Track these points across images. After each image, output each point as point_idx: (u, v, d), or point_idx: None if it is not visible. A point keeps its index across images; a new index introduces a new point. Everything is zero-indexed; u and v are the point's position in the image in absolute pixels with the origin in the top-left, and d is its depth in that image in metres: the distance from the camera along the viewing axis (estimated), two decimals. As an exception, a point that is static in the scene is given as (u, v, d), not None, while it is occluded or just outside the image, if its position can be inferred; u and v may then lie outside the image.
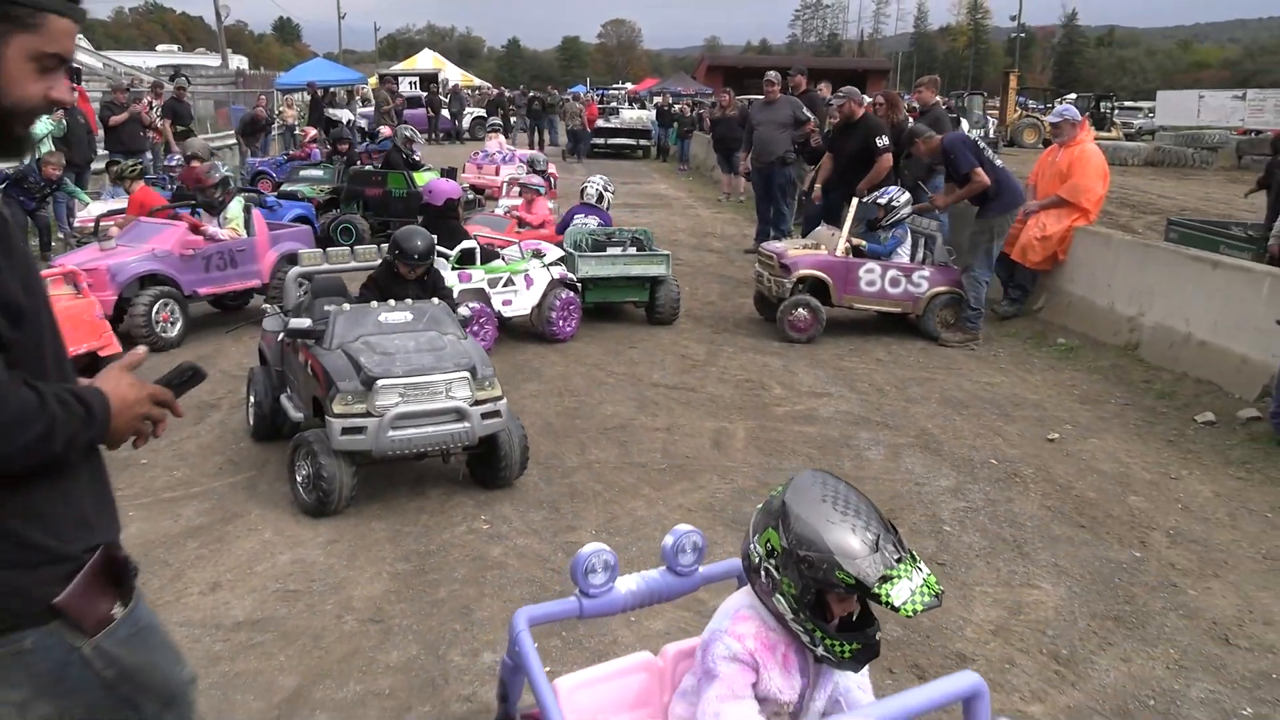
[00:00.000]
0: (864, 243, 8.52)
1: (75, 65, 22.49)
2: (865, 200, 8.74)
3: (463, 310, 5.56)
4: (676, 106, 27.89)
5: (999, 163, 8.35)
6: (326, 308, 5.38)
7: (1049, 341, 8.46)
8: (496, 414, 4.96)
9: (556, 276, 8.18)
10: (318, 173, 14.35)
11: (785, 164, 11.61)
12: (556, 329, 8.08)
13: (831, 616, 2.00)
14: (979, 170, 8.08)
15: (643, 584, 2.37)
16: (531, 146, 28.27)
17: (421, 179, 12.56)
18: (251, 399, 5.87)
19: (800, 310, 8.20)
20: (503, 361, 7.30)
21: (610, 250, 8.96)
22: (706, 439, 6.03)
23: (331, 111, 23.84)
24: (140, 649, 1.69)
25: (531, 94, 32.17)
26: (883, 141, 9.55)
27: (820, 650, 1.99)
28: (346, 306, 5.23)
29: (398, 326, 5.14)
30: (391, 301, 5.28)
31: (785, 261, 8.36)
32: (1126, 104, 55.01)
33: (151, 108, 15.54)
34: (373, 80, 35.24)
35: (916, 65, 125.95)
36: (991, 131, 36.11)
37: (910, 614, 1.84)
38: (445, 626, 3.88)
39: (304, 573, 4.32)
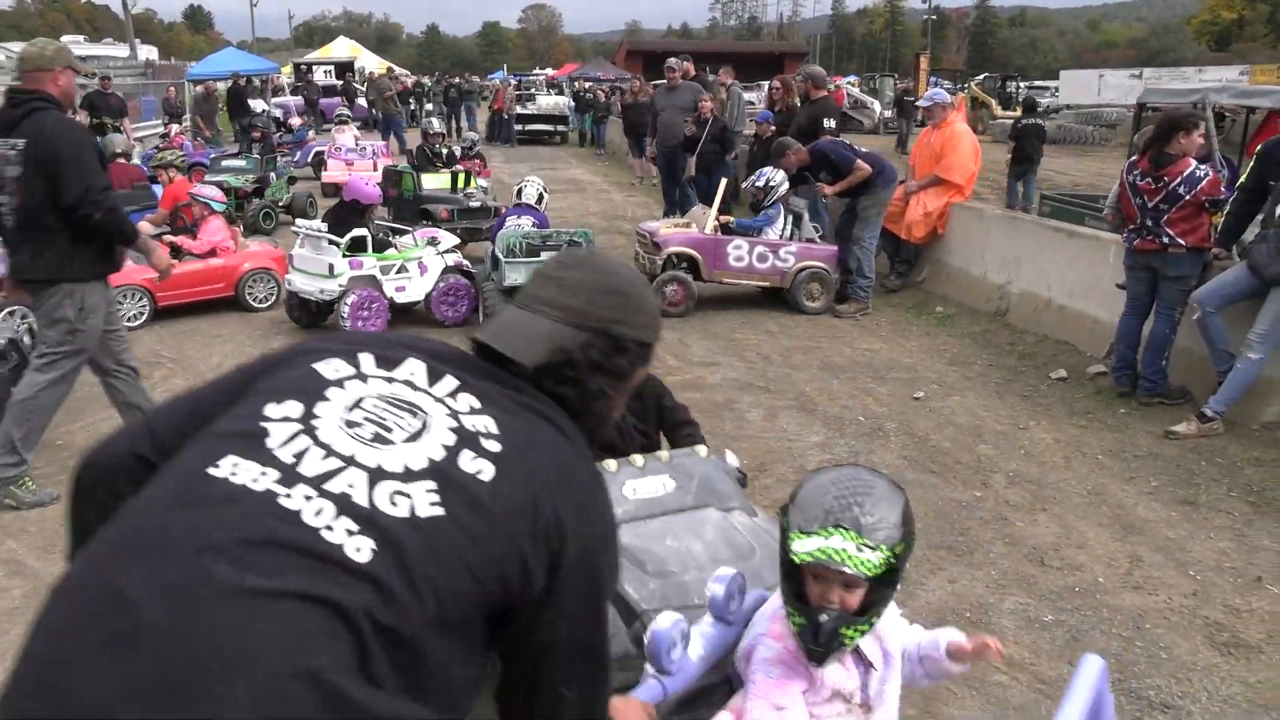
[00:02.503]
0: (732, 220, 9.04)
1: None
2: (745, 185, 9.29)
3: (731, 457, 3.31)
4: (591, 92, 28.18)
5: (864, 150, 9.03)
6: None
7: (929, 310, 9.05)
8: None
9: (451, 264, 8.48)
10: (240, 163, 14.48)
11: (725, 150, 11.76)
12: (443, 314, 8.37)
13: (806, 599, 1.90)
14: (860, 162, 8.65)
15: (707, 645, 2.13)
16: (449, 134, 28.38)
17: (462, 181, 11.72)
18: None
19: (671, 286, 8.67)
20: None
21: (544, 255, 8.38)
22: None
23: (251, 103, 23.81)
24: None
25: (447, 81, 32.21)
26: (829, 123, 9.99)
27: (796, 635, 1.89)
28: None
29: (657, 504, 2.93)
30: (637, 458, 3.00)
31: (657, 240, 8.86)
32: (1036, 84, 56.68)
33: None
34: (286, 69, 34.95)
35: (835, 48, 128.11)
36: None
37: (799, 561, 1.84)
38: None
39: None
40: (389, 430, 1.36)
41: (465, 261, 8.71)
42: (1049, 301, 8.02)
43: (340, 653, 1.15)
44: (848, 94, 38.69)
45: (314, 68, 34.67)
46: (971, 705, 3.47)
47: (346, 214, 8.51)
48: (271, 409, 1.38)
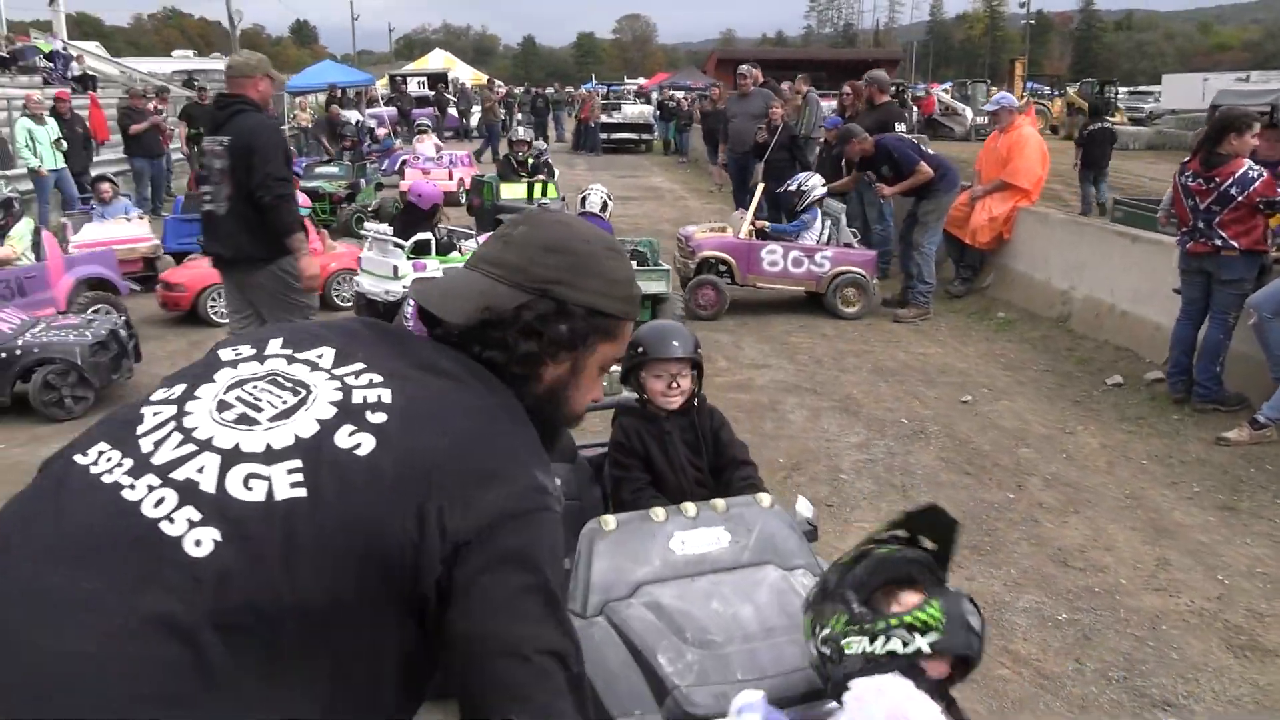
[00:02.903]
0: (768, 225, 9.11)
1: (90, 73, 23.32)
2: (780, 190, 9.37)
3: (805, 505, 3.00)
4: (675, 101, 28.38)
5: (931, 151, 8.93)
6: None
7: (990, 316, 8.97)
8: None
9: None
10: (334, 169, 15.08)
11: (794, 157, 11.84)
12: None
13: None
14: (923, 164, 8.61)
15: None
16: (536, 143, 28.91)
17: (538, 190, 11.65)
18: None
19: (705, 289, 8.79)
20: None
21: None
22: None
23: (342, 113, 24.64)
24: None
25: (534, 91, 32.78)
26: (900, 127, 10.03)
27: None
28: (610, 521, 2.58)
29: (707, 561, 2.54)
30: (689, 507, 2.63)
31: (692, 244, 9.01)
32: (1139, 89, 55.04)
33: (162, 114, 16.21)
34: (382, 81, 35.93)
35: (933, 54, 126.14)
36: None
37: None
38: None
39: None
40: (259, 409, 1.27)
41: None
42: (1111, 307, 7.90)
43: (154, 677, 1.07)
44: (939, 101, 38.27)
45: (408, 79, 35.58)
46: (970, 696, 3.50)
47: (414, 217, 8.82)
48: (160, 394, 1.33)
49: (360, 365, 1.33)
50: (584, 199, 9.50)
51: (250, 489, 1.17)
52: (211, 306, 8.72)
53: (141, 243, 10.01)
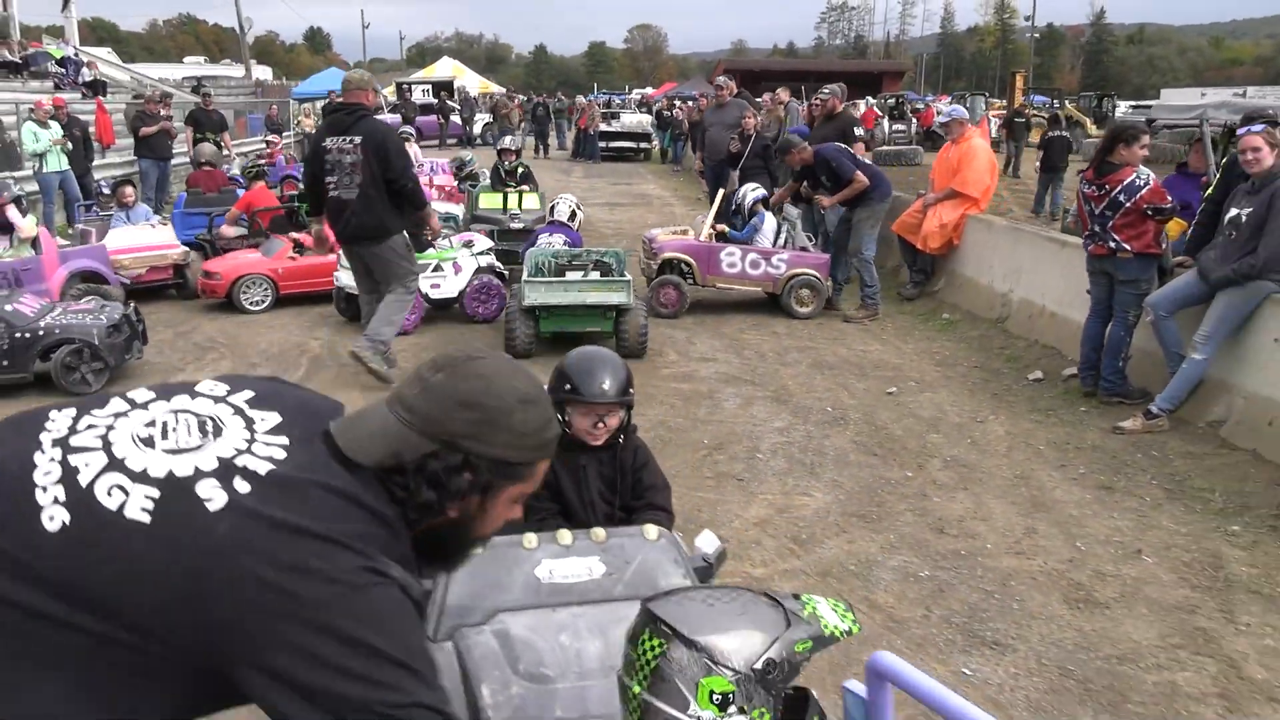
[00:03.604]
0: (726, 228, 9.63)
1: (101, 79, 23.96)
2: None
3: (708, 540, 2.85)
4: (671, 110, 28.89)
5: (868, 161, 9.45)
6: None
7: (936, 317, 9.45)
8: None
9: (484, 265, 9.22)
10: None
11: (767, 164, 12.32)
12: (474, 310, 9.08)
13: None
14: (859, 174, 9.10)
15: None
16: (536, 152, 29.52)
17: (514, 201, 11.66)
18: None
19: (666, 289, 9.32)
20: (431, 336, 8.40)
21: (570, 274, 8.35)
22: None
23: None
24: None
25: (536, 100, 33.36)
26: (858, 131, 10.52)
27: None
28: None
29: (572, 592, 2.53)
30: (564, 535, 2.60)
31: (654, 245, 9.50)
32: (1141, 103, 55.39)
33: (170, 118, 16.77)
34: (389, 89, 36.58)
35: (943, 66, 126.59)
36: (994, 130, 36.92)
37: None
38: None
39: None
40: (164, 437, 1.40)
41: (498, 263, 9.45)
42: (1043, 309, 8.36)
43: None
44: (937, 113, 38.75)
45: (413, 87, 36.22)
46: (823, 636, 3.98)
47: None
48: (136, 393, 1.54)
49: (276, 434, 1.45)
50: (553, 208, 10.01)
51: (110, 496, 1.32)
52: (244, 295, 9.56)
53: (172, 249, 10.20)
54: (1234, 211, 6.11)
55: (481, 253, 9.34)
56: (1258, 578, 4.46)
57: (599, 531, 2.63)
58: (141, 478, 1.34)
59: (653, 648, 1.58)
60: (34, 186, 13.98)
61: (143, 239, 10.16)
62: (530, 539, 2.56)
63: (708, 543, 2.81)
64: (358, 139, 6.68)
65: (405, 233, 7.19)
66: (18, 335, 6.88)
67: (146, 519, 1.31)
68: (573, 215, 9.88)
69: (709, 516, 5.03)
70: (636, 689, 1.58)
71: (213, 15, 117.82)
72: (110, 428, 1.41)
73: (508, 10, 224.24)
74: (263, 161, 13.51)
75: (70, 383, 6.91)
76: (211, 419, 1.44)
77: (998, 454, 6.00)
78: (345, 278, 8.98)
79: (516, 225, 11.34)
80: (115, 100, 21.58)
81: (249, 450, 1.40)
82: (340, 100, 7.14)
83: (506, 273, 9.44)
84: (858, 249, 9.28)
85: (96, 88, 23.86)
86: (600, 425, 2.99)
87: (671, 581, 2.52)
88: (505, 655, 2.29)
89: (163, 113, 16.19)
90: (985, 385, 7.37)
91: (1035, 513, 5.15)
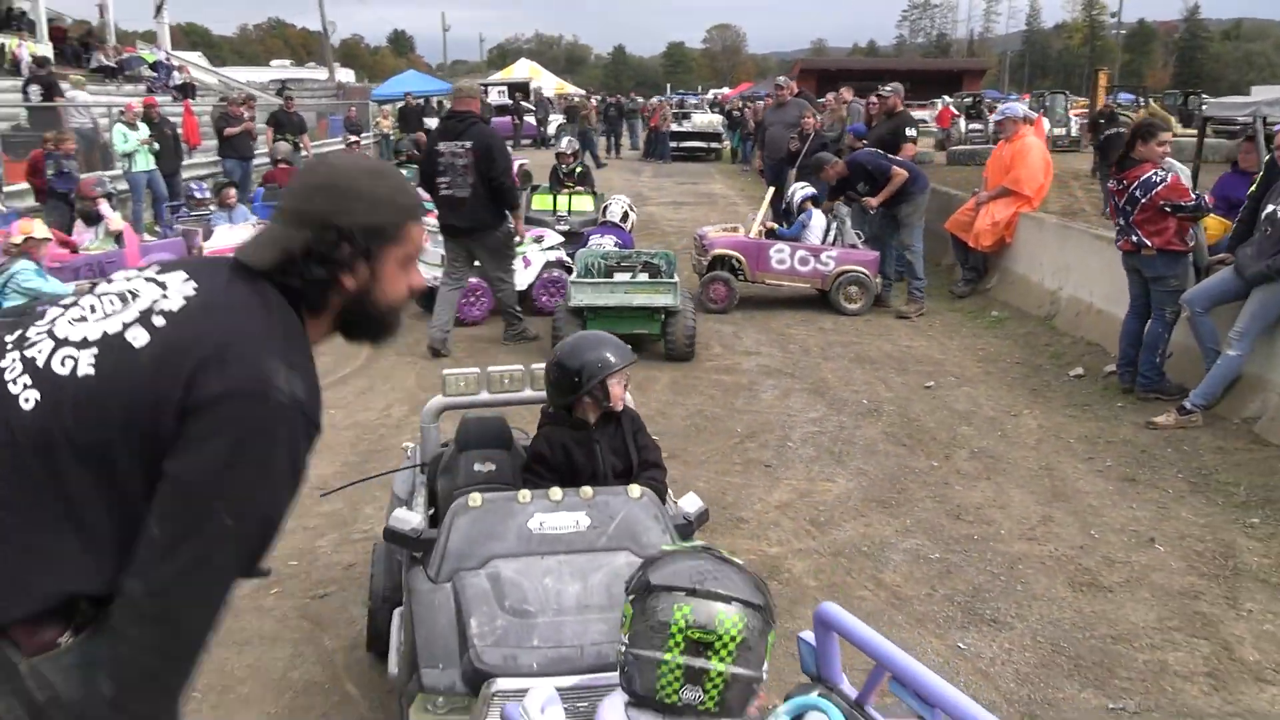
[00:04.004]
0: (776, 226, 9.77)
1: (190, 82, 24.94)
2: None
3: (690, 501, 3.24)
4: (740, 110, 29.01)
5: (899, 159, 9.57)
6: (476, 467, 3.55)
7: (985, 314, 9.50)
8: None
9: (552, 260, 9.54)
10: (403, 173, 16.17)
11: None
12: (541, 302, 9.40)
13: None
14: (897, 170, 9.20)
15: None
16: (607, 151, 29.88)
17: (564, 203, 11.54)
18: (369, 592, 3.65)
19: (716, 285, 9.50)
20: (500, 327, 8.74)
21: (619, 275, 8.30)
22: (633, 383, 7.30)
23: (426, 121, 26.12)
24: (84, 683, 1.62)
25: (608, 100, 33.74)
26: (911, 132, 10.61)
27: None
28: (476, 499, 2.97)
29: (560, 541, 2.87)
30: (555, 492, 2.97)
31: (705, 242, 9.67)
32: (1228, 99, 53.76)
33: (252, 119, 17.46)
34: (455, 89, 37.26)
35: (1028, 64, 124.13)
36: (1074, 130, 36.24)
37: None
38: None
39: None
40: (94, 311, 1.69)
41: (566, 257, 9.76)
42: (1090, 306, 8.38)
43: None
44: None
45: (489, 89, 36.87)
46: (828, 609, 4.17)
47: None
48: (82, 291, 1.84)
49: (185, 281, 1.72)
50: (606, 209, 10.11)
51: (64, 365, 1.62)
52: None
53: None
54: (1270, 208, 6.13)
55: (550, 248, 9.66)
56: (1269, 567, 4.53)
57: (586, 490, 2.97)
58: (82, 344, 1.63)
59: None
60: (124, 185, 14.74)
61: (244, 238, 10.47)
62: (525, 495, 2.93)
63: (690, 503, 3.14)
64: (469, 143, 7.46)
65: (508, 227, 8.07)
66: None
67: (94, 371, 1.60)
68: (625, 216, 9.90)
69: (733, 499, 5.25)
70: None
71: (300, 19, 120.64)
72: (52, 322, 1.69)
73: (587, 11, 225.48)
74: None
75: None
76: (129, 290, 1.71)
77: (1026, 446, 6.10)
78: (422, 270, 9.42)
79: (562, 227, 11.46)
80: (203, 103, 22.48)
81: (164, 297, 1.68)
82: (452, 109, 7.95)
83: (574, 268, 9.74)
84: (909, 244, 9.39)
85: (186, 91, 24.89)
86: (624, 387, 3.37)
87: (651, 536, 2.85)
88: (494, 593, 2.64)
89: (245, 114, 16.87)
90: (1025, 381, 7.45)
91: (1054, 502, 5.27)
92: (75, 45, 24.75)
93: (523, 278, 9.43)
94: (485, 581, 2.69)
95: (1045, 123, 23.10)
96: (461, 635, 2.53)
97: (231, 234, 10.34)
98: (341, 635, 3.95)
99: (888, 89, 11.28)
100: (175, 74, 25.80)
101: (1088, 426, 6.42)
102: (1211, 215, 6.69)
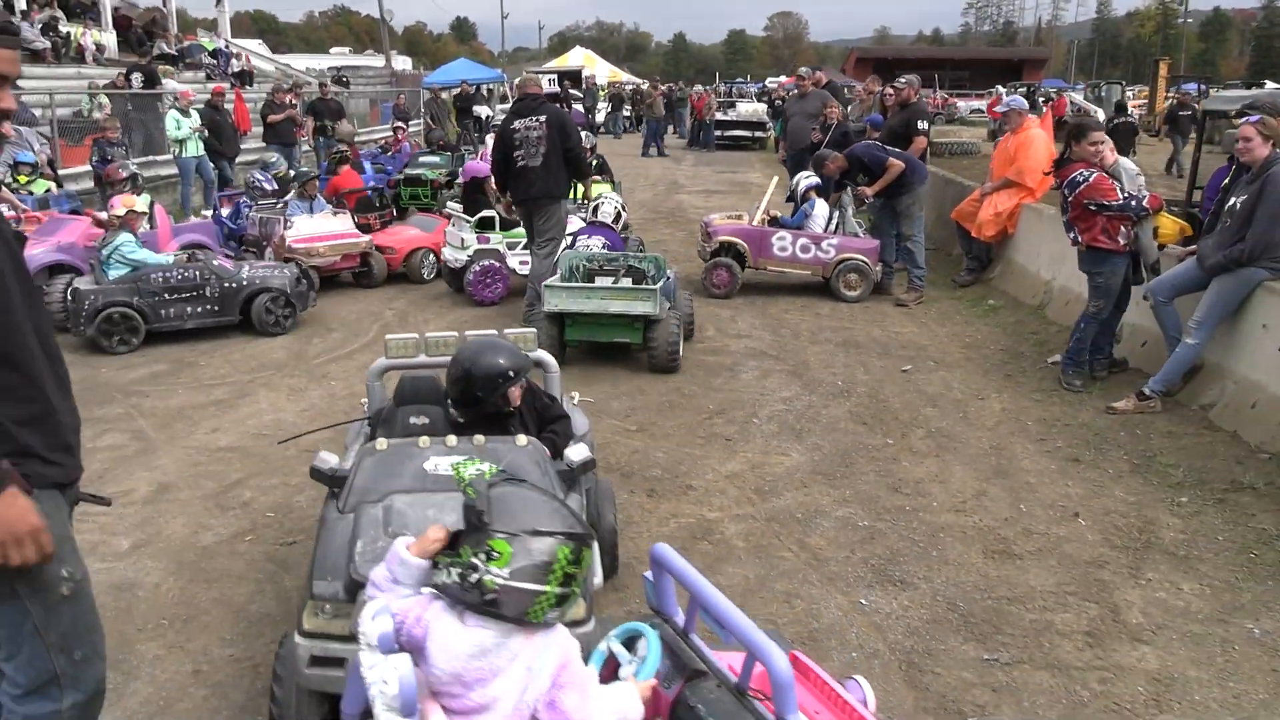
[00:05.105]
0: (778, 214, 10.04)
1: (248, 70, 25.73)
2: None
3: (578, 451, 3.63)
4: (782, 99, 29.10)
5: (897, 150, 9.78)
6: (412, 420, 3.90)
7: (982, 303, 9.69)
8: None
9: (487, 249, 9.84)
10: (435, 159, 16.69)
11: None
12: (479, 295, 9.64)
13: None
14: (893, 161, 9.43)
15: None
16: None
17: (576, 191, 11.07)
18: None
19: (718, 271, 9.82)
20: (515, 306, 9.14)
21: (601, 280, 7.79)
22: (619, 364, 7.67)
23: (476, 109, 26.77)
24: None
25: (673, 89, 34.06)
26: (923, 124, 10.82)
27: None
28: (382, 444, 3.48)
29: (449, 482, 3.16)
30: (450, 439, 3.47)
31: (709, 229, 9.96)
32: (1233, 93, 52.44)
33: (294, 106, 18.11)
34: (517, 80, 37.83)
35: (1097, 54, 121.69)
36: (1135, 117, 35.73)
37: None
38: None
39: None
40: None
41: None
42: (1079, 295, 8.51)
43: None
44: (1070, 102, 37.73)
45: (541, 77, 37.38)
46: (749, 565, 4.52)
47: (471, 192, 10.30)
48: None
49: None
50: (596, 207, 9.33)
51: None
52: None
53: (359, 238, 10.50)
54: (1232, 200, 6.31)
55: (571, 233, 10.03)
56: (1182, 542, 4.77)
57: (479, 437, 3.42)
58: None
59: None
60: (173, 170, 15.44)
61: (329, 228, 10.45)
62: (424, 441, 3.40)
63: (576, 453, 3.54)
64: (542, 118, 8.24)
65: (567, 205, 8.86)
66: (227, 285, 8.49)
67: None
68: (618, 217, 9.21)
69: (688, 469, 5.61)
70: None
71: (365, 6, 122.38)
72: None
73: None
74: (344, 149, 14.48)
75: (267, 324, 8.51)
76: None
77: (983, 427, 6.35)
78: (447, 252, 9.92)
79: (584, 215, 11.83)
80: (260, 90, 23.22)
81: None
82: (522, 93, 8.81)
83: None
84: (909, 234, 9.62)
85: (244, 78, 25.72)
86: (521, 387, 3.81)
87: (532, 479, 3.03)
88: (383, 521, 3.05)
89: (291, 101, 17.50)
90: (1002, 367, 7.67)
91: (994, 479, 5.53)
92: (140, 33, 25.69)
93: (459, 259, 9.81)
94: (379, 512, 3.10)
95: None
96: (350, 553, 2.96)
97: (312, 224, 10.46)
98: (300, 577, 4.37)
99: (902, 80, 11.47)
100: (233, 61, 26.66)
101: (1051, 410, 6.65)
102: (1165, 215, 6.81)
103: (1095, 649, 3.89)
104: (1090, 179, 6.47)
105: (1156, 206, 6.65)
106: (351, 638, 2.28)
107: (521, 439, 3.44)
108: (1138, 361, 7.22)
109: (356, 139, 18.25)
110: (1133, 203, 6.46)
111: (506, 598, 2.00)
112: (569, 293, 7.50)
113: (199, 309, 8.43)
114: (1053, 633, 4.00)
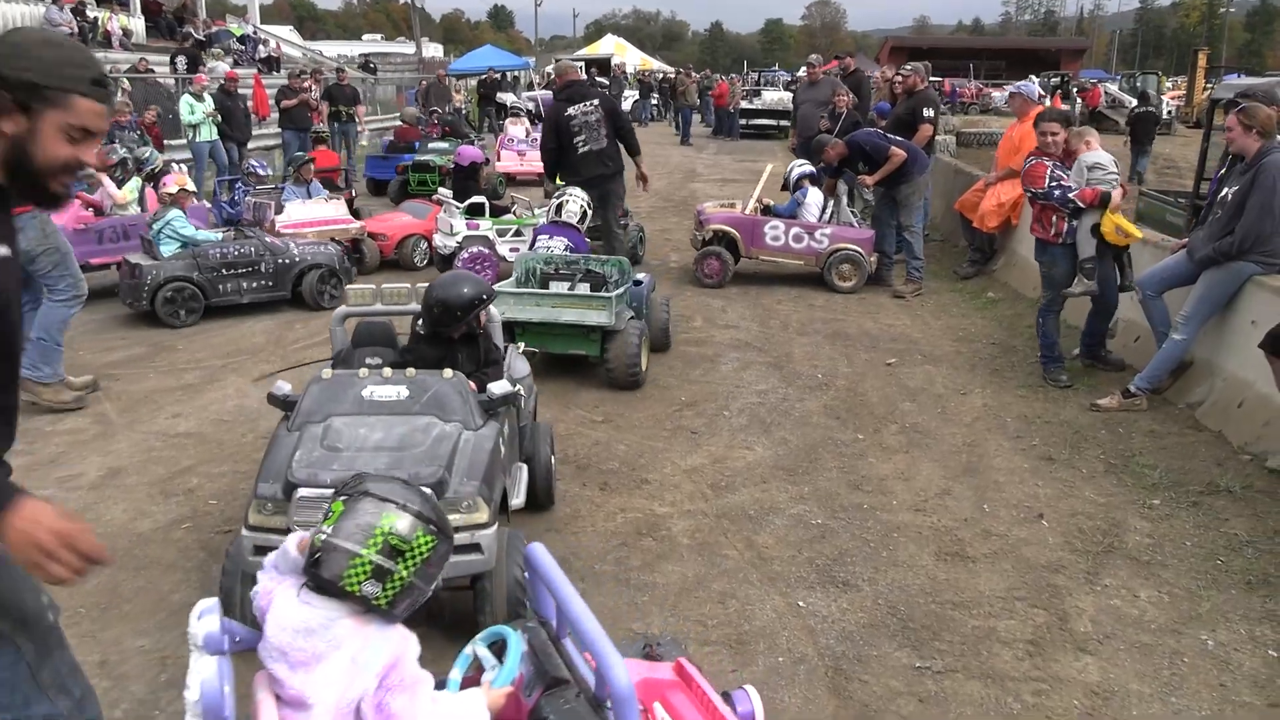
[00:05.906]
0: (772, 203, 9.85)
1: (274, 55, 25.80)
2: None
3: (500, 386, 4.08)
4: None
5: (898, 139, 9.53)
6: (368, 360, 4.38)
7: (981, 295, 9.46)
8: (472, 548, 3.48)
9: (477, 234, 9.75)
10: (444, 145, 16.64)
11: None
12: None
13: None
14: (895, 150, 9.21)
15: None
16: (676, 127, 30.01)
17: None
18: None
19: (710, 260, 9.66)
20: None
21: (555, 285, 7.08)
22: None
23: (500, 96, 26.78)
24: None
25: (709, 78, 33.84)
26: (928, 112, 10.61)
27: None
28: (327, 373, 4.06)
29: (382, 406, 3.83)
30: (387, 371, 4.01)
31: (702, 217, 9.79)
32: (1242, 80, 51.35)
33: (309, 91, 18.12)
34: (549, 67, 37.74)
35: (1140, 44, 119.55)
36: (1168, 112, 35.04)
37: None
38: None
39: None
40: None
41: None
42: (1078, 289, 8.30)
43: None
44: (1105, 93, 37.06)
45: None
46: (690, 563, 4.39)
47: (461, 176, 10.22)
48: None
49: None
50: (559, 206, 7.98)
51: None
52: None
53: (351, 224, 10.46)
54: (1225, 191, 6.08)
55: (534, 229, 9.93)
56: (1146, 547, 4.58)
57: (411, 370, 3.99)
58: None
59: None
60: (187, 154, 15.49)
61: (321, 213, 10.38)
62: (363, 372, 3.98)
63: (499, 387, 4.02)
64: (596, 102, 8.64)
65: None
66: (280, 261, 8.85)
67: None
68: (584, 217, 7.98)
69: (646, 461, 5.49)
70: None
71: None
72: None
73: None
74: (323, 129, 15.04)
75: (319, 299, 8.89)
76: None
77: (960, 424, 6.17)
78: (438, 238, 9.86)
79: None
80: (280, 76, 23.27)
81: None
82: (565, 81, 9.11)
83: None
84: (908, 224, 9.42)
85: (271, 64, 25.83)
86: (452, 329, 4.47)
87: (452, 406, 3.83)
88: (321, 436, 3.67)
89: (308, 85, 17.50)
90: (990, 361, 7.47)
91: (962, 477, 5.36)
92: (170, 19, 25.85)
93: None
94: (319, 429, 3.71)
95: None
96: (289, 460, 3.55)
97: (304, 209, 10.39)
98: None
99: (908, 68, 11.24)
100: (261, 47, 26.78)
101: (1033, 407, 6.45)
102: (1113, 215, 6.49)
103: (1035, 659, 3.72)
104: (1028, 166, 6.39)
105: (1090, 200, 6.37)
106: (288, 530, 2.92)
107: (448, 372, 3.99)
108: (1131, 358, 7.00)
109: (357, 125, 18.63)
110: (1055, 193, 6.34)
111: (326, 556, 1.98)
112: (517, 299, 6.68)
113: (254, 284, 8.78)
114: (993, 640, 3.83)
